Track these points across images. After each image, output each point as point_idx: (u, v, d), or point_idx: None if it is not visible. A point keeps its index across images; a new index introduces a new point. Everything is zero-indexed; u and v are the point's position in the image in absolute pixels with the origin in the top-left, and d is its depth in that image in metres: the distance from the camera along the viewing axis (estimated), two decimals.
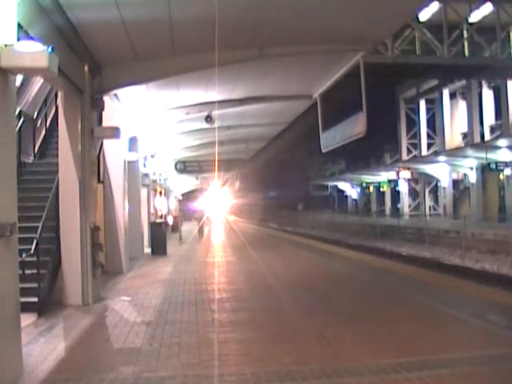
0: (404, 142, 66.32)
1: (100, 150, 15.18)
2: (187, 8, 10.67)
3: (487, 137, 50.54)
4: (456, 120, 58.60)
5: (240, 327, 9.85)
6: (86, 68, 12.49)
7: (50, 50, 7.46)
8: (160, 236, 24.44)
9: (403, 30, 34.48)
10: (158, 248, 23.94)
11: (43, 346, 8.74)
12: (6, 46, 6.98)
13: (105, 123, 13.92)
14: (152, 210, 29.86)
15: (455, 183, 56.79)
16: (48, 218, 12.24)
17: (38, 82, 18.50)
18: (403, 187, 64.57)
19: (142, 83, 14.63)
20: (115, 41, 12.06)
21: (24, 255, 9.96)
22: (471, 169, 48.00)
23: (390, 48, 36.02)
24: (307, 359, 7.72)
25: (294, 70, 16.63)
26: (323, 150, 20.09)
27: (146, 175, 26.10)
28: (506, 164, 41.47)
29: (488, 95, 51.77)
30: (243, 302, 12.47)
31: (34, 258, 11.08)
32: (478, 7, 37.42)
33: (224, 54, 13.43)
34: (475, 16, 37.82)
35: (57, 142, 13.03)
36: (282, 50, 13.75)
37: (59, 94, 12.76)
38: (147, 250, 24.42)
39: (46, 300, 11.58)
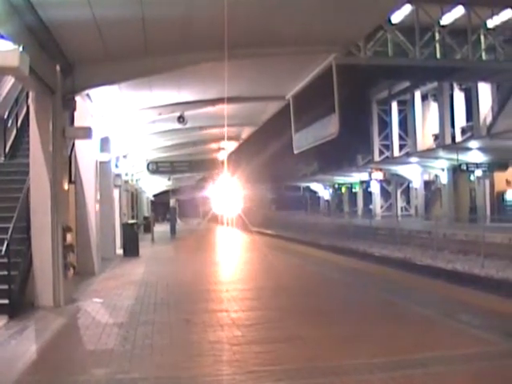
0: (376, 144, 66.84)
1: (72, 150, 15.04)
2: (160, 8, 10.62)
3: (458, 138, 51.10)
4: (428, 121, 59.21)
5: (212, 328, 9.82)
6: (58, 68, 12.36)
7: (21, 49, 7.40)
8: (132, 237, 24.29)
9: (376, 31, 34.63)
10: (131, 249, 23.77)
11: (15, 348, 8.66)
12: None
13: (76, 123, 13.81)
14: (124, 211, 29.68)
15: (427, 184, 57.30)
16: (19, 218, 12.12)
17: (8, 82, 18.31)
18: (375, 188, 65.03)
19: (114, 83, 14.54)
20: (87, 40, 11.96)
21: None
22: (442, 170, 48.47)
23: (363, 50, 36.18)
24: (282, 360, 7.72)
25: (267, 71, 16.63)
26: (295, 151, 20.11)
27: (118, 176, 25.93)
28: (477, 165, 41.93)
29: (459, 97, 52.35)
30: (213, 303, 12.46)
31: (5, 260, 10.97)
32: (449, 10, 37.74)
33: (195, 55, 13.43)
34: (447, 19, 38.15)
35: (28, 142, 12.91)
36: (254, 50, 13.73)
37: (30, 93, 12.64)
38: (119, 251, 24.28)
39: (17, 302, 11.44)
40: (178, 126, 21.03)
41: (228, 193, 33.03)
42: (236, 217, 55.32)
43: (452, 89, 52.56)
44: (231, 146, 35.53)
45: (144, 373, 7.29)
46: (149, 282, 15.70)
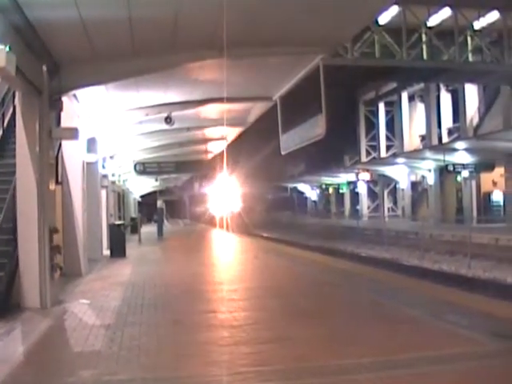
0: (363, 144, 67.03)
1: (58, 151, 14.98)
2: (147, 9, 10.60)
3: (445, 139, 51.30)
4: (414, 122, 59.41)
5: (200, 329, 9.80)
6: (45, 68, 12.29)
7: (7, 48, 7.36)
8: (119, 238, 24.23)
9: (363, 33, 34.65)
10: (118, 250, 23.70)
11: (1, 349, 8.61)
12: None
13: (63, 124, 13.75)
14: (111, 212, 29.59)
15: (414, 185, 57.48)
16: (5, 219, 12.07)
17: None
18: (362, 189, 65.19)
19: (101, 84, 14.50)
20: (74, 41, 11.92)
21: None
22: (429, 171, 48.64)
23: (350, 51, 36.22)
24: (271, 361, 7.72)
25: (254, 71, 16.64)
26: (283, 152, 20.11)
27: (105, 176, 25.88)
28: (464, 166, 42.08)
29: (446, 98, 52.58)
30: (200, 303, 12.44)
31: None
32: (436, 11, 37.83)
33: (183, 55, 13.42)
34: (434, 20, 38.25)
35: (14, 143, 12.84)
36: (242, 51, 13.72)
37: (17, 94, 12.57)
38: (106, 251, 24.20)
39: (3, 303, 11.39)
40: (165, 126, 21.01)
41: (217, 194, 33.02)
42: (224, 218, 55.35)
43: (439, 90, 52.76)
44: (218, 146, 35.51)
45: (131, 374, 7.26)
46: (136, 283, 15.66)
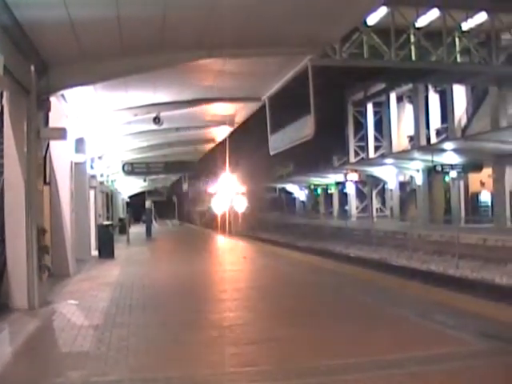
0: (352, 145, 67.12)
1: (46, 151, 14.88)
2: (136, 8, 10.57)
3: (433, 140, 51.46)
4: (403, 123, 59.53)
5: (188, 329, 9.79)
6: (33, 68, 12.23)
7: None
8: (107, 238, 24.18)
9: (351, 33, 34.67)
10: (106, 250, 23.64)
11: None
12: None
13: (51, 124, 13.68)
14: (99, 212, 29.52)
15: (402, 185, 57.57)
16: None
17: None
18: (351, 189, 65.27)
19: (89, 84, 14.44)
20: (63, 40, 11.87)
21: None
22: (418, 171, 48.72)
23: (339, 51, 36.24)
24: (258, 361, 7.72)
25: (243, 72, 16.62)
26: (271, 153, 20.12)
27: (94, 177, 25.80)
28: (452, 166, 42.18)
29: (434, 99, 52.74)
30: (188, 304, 12.43)
31: None
32: (424, 12, 37.89)
33: (172, 55, 13.40)
34: (422, 21, 38.31)
35: (2, 143, 12.78)
36: (231, 51, 13.72)
37: (4, 94, 12.50)
38: (94, 252, 24.14)
39: None
40: (153, 126, 20.94)
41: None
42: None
43: (427, 91, 52.90)
44: (207, 147, 35.51)
45: (119, 375, 7.24)
46: (124, 284, 15.63)
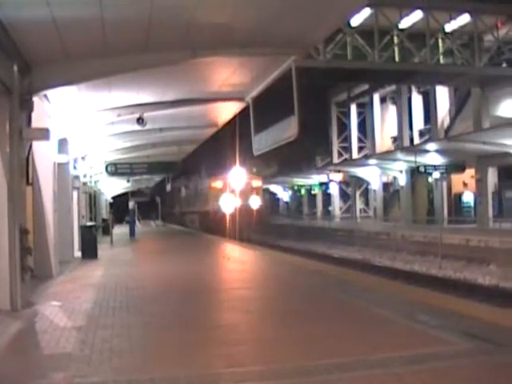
0: (335, 146, 67.30)
1: (29, 151, 14.82)
2: (119, 8, 10.54)
3: (416, 141, 51.68)
4: (386, 124, 59.76)
5: (174, 330, 9.78)
6: (15, 67, 12.16)
7: None
8: (91, 239, 24.10)
9: (335, 34, 34.82)
10: (89, 251, 23.57)
11: None
12: None
13: (34, 124, 13.59)
14: (83, 213, 29.41)
15: (385, 186, 57.78)
16: None
17: None
18: (334, 190, 65.39)
19: (73, 84, 14.36)
20: (46, 40, 11.81)
21: None
22: (401, 172, 48.94)
23: (322, 52, 36.35)
24: (241, 362, 7.71)
25: (227, 72, 16.61)
26: (255, 153, 20.07)
27: (77, 177, 25.70)
28: (435, 167, 42.38)
29: (417, 100, 53.00)
30: (173, 305, 12.41)
31: None
32: (408, 14, 38.09)
33: (156, 56, 13.36)
34: (405, 22, 38.50)
35: None
36: (214, 52, 13.71)
37: None
38: (78, 253, 24.04)
39: None
40: (137, 127, 20.87)
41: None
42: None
43: (410, 92, 53.16)
44: (191, 147, 35.48)
45: (103, 376, 7.20)
46: (108, 285, 15.58)
